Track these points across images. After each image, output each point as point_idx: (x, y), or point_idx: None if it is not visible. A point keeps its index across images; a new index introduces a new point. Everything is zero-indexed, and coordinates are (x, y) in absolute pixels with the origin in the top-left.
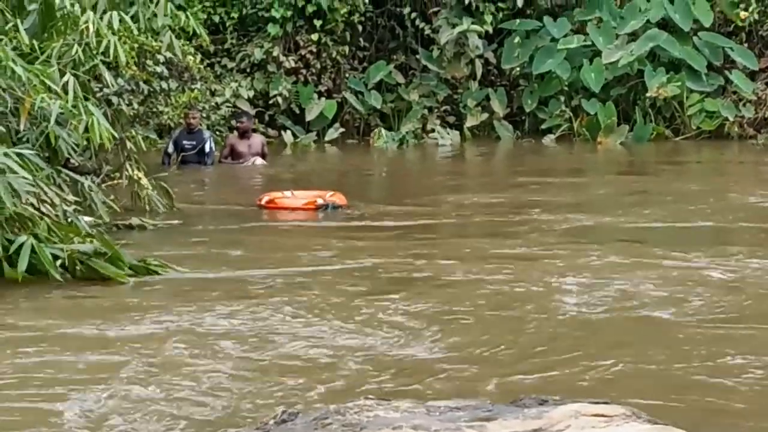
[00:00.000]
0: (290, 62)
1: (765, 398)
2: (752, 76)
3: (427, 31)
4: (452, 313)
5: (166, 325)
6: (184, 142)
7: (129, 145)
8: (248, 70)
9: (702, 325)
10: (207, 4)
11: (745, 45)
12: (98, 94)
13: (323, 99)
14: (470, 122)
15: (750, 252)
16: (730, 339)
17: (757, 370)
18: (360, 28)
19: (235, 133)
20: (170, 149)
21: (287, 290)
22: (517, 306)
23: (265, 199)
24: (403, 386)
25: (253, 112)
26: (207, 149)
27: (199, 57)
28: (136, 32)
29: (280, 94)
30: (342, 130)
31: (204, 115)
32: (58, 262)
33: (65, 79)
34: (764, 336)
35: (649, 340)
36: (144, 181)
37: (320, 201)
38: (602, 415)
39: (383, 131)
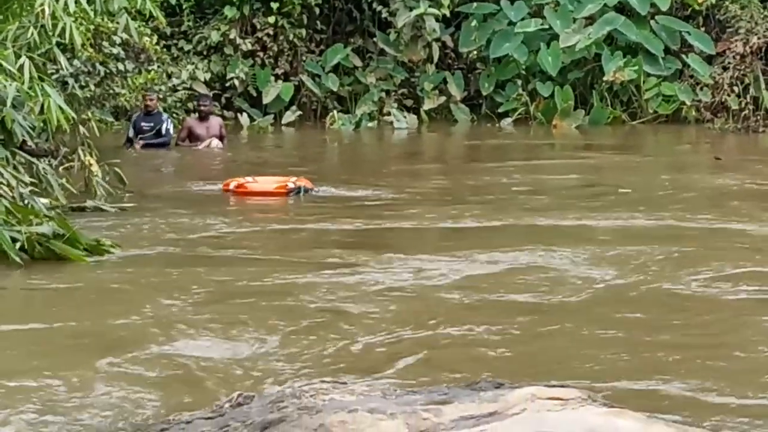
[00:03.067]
0: (247, 45)
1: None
2: (709, 60)
3: (384, 14)
4: (406, 291)
5: (120, 305)
6: (142, 124)
7: (82, 129)
8: (205, 52)
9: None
10: None
11: (702, 29)
12: (54, 77)
13: (280, 82)
14: (427, 105)
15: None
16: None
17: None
18: (317, 10)
19: (194, 115)
20: (131, 134)
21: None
22: (474, 286)
23: (232, 184)
24: (361, 367)
25: (210, 94)
26: (163, 131)
27: (155, 38)
28: (92, 14)
29: (237, 77)
30: (299, 112)
31: (160, 97)
32: (17, 245)
33: (21, 61)
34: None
35: (609, 319)
36: (95, 167)
37: (291, 185)
38: (558, 399)
39: (335, 115)
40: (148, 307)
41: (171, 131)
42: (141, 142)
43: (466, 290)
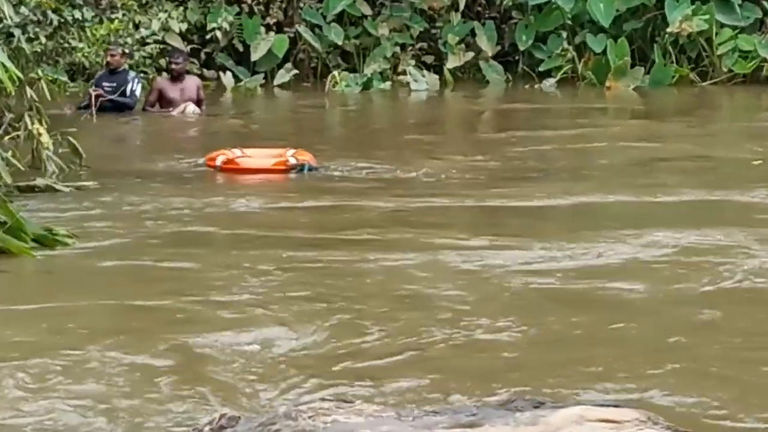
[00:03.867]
0: None
1: None
2: None
3: None
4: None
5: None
6: (104, 84)
7: (30, 91)
8: None
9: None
10: None
11: None
12: None
13: (272, 34)
14: (452, 63)
15: None
16: None
17: None
18: None
19: (166, 75)
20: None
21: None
22: (509, 283)
23: (220, 158)
24: (368, 378)
25: (186, 49)
26: (128, 92)
27: None
28: None
29: (220, 28)
30: (295, 71)
31: (126, 51)
32: None
33: None
34: None
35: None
36: (45, 137)
37: (293, 160)
38: (611, 421)
39: (338, 74)
40: (143, 296)
41: (137, 93)
42: (95, 89)
43: (547, 278)
